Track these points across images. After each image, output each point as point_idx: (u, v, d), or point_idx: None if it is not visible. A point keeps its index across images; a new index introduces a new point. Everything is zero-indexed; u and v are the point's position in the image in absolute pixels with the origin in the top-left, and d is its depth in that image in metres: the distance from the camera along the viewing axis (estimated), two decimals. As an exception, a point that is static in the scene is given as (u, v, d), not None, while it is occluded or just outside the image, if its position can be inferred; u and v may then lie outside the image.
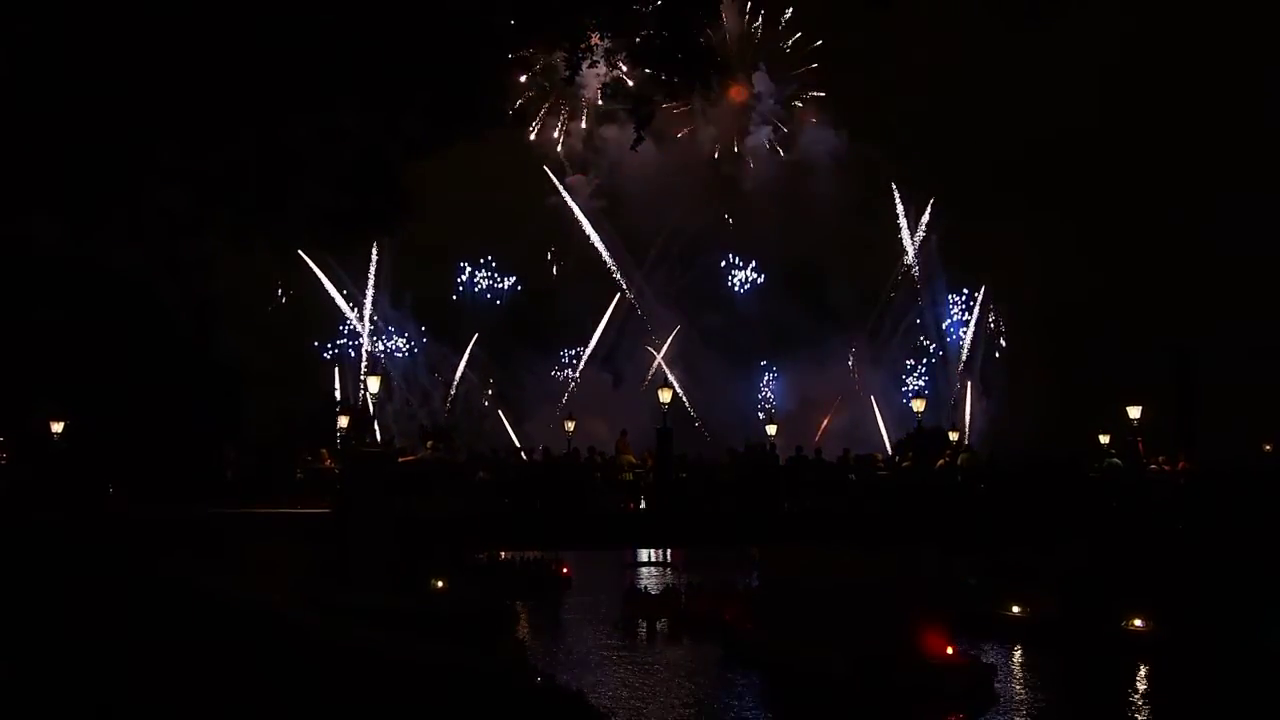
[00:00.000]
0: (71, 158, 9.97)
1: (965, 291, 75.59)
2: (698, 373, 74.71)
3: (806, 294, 75.41)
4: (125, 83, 9.53)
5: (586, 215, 75.66)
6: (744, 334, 75.17)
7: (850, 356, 75.14)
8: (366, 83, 10.44)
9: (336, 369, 70.46)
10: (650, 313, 75.84)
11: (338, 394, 66.32)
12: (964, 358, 75.75)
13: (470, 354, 73.84)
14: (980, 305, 75.36)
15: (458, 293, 74.37)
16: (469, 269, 74.08)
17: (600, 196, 75.78)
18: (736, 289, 76.46)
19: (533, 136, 72.51)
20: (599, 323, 75.46)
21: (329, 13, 9.83)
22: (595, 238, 75.70)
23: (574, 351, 74.89)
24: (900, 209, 75.59)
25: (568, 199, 75.35)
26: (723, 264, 76.36)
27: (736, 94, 72.92)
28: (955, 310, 76.02)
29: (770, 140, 75.87)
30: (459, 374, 73.14)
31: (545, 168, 74.70)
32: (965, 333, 75.82)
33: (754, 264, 76.20)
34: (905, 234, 76.08)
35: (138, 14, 9.23)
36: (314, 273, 69.89)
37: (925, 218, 75.25)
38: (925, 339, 75.87)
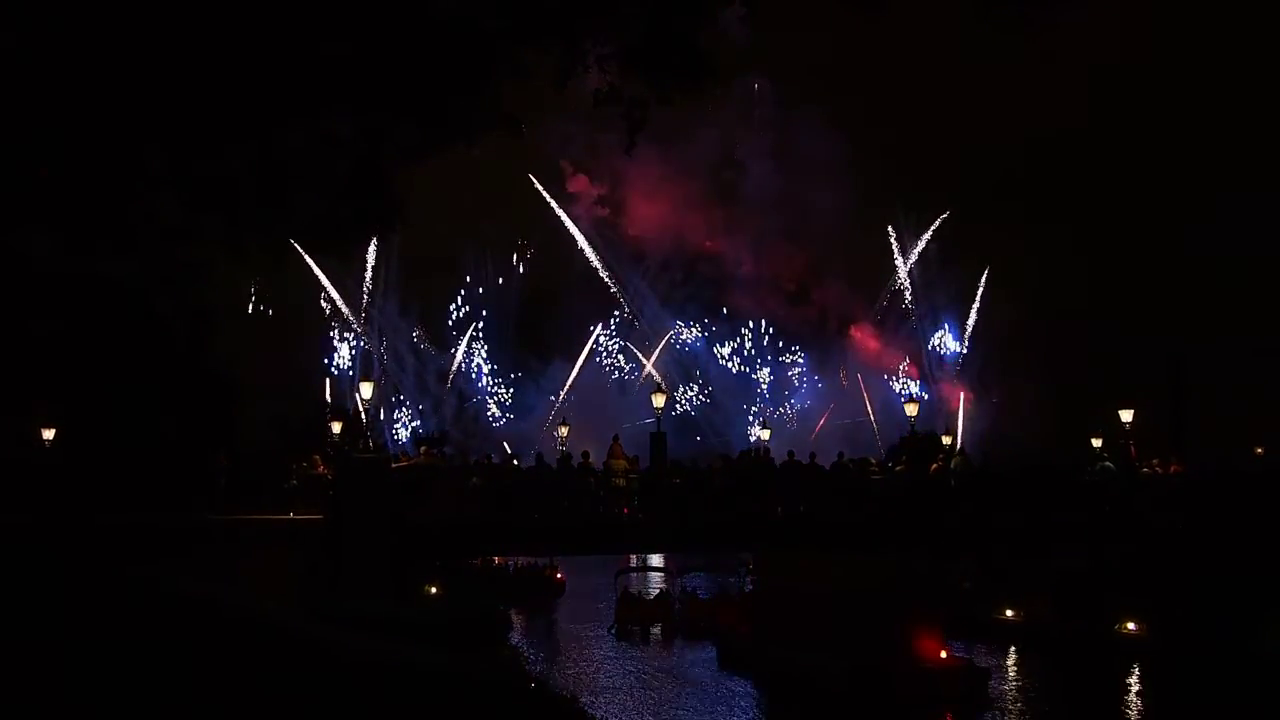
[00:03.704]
0: (63, 168, 9.95)
1: (961, 295, 75.79)
2: (696, 378, 74.77)
3: (804, 298, 75.57)
4: (116, 91, 9.51)
5: (588, 220, 75.73)
6: (742, 339, 75.29)
7: (846, 360, 75.27)
8: (359, 89, 10.42)
9: (335, 375, 70.25)
10: (650, 318, 75.88)
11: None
12: (959, 361, 75.92)
13: (474, 360, 73.88)
14: (976, 309, 75.53)
15: (460, 298, 74.28)
16: (471, 275, 74.10)
17: (601, 201, 75.89)
18: (736, 294, 76.45)
19: (531, 141, 72.36)
20: (599, 328, 75.44)
21: (320, 19, 9.81)
22: (598, 242, 75.83)
23: (575, 356, 74.82)
24: (898, 214, 75.76)
25: (566, 209, 75.39)
26: (722, 269, 76.36)
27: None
28: (951, 314, 76.21)
29: (769, 145, 75.98)
30: (466, 381, 73.15)
31: (546, 173, 74.73)
32: (960, 337, 76.02)
33: (753, 269, 76.26)
34: (903, 239, 76.24)
35: (128, 22, 9.21)
36: (312, 278, 69.67)
37: (922, 222, 75.43)
38: (920, 343, 76.02)
